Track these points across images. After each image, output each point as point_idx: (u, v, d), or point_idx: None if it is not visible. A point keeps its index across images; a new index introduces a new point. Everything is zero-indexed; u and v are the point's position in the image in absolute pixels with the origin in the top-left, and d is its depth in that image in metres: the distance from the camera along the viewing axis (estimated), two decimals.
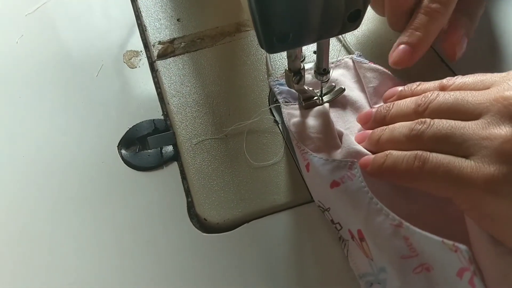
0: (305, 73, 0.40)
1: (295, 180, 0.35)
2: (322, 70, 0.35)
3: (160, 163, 0.37)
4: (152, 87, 0.42)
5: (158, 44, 0.45)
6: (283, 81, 0.40)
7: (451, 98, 0.29)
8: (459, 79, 0.31)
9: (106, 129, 0.39)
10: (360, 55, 0.41)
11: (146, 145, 0.38)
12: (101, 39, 0.46)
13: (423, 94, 0.31)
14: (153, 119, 0.39)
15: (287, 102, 0.38)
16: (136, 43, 0.46)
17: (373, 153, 0.32)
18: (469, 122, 0.27)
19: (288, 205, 0.34)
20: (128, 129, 0.39)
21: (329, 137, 0.34)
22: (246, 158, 0.36)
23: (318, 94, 0.37)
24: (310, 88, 0.37)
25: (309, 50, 0.42)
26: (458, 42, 0.37)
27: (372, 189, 0.29)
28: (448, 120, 0.28)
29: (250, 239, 0.33)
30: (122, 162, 0.37)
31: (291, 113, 0.37)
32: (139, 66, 0.44)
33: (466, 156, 0.26)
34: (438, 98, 0.29)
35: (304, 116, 0.37)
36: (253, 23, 0.28)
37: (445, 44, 0.38)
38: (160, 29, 0.46)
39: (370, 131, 0.33)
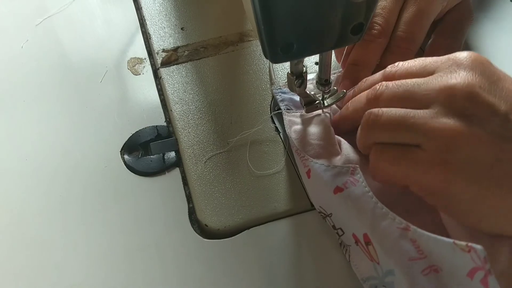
0: (308, 83, 0.41)
1: (295, 188, 0.36)
2: (323, 80, 0.36)
3: (162, 168, 0.37)
4: (156, 94, 0.43)
5: (162, 52, 0.45)
6: (286, 89, 0.41)
7: (400, 88, 0.29)
8: (401, 66, 0.31)
9: (110, 135, 0.39)
10: None
11: (148, 151, 0.38)
12: (106, 46, 0.47)
13: (372, 88, 0.31)
14: (156, 125, 0.40)
15: (288, 109, 0.39)
16: (140, 51, 0.46)
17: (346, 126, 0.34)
18: (418, 111, 0.27)
19: (288, 213, 0.34)
20: (131, 134, 0.39)
21: (330, 143, 0.35)
22: (248, 166, 0.37)
23: (320, 98, 0.38)
24: (312, 93, 0.37)
25: (310, 61, 0.43)
26: None
27: (375, 192, 0.29)
28: (397, 110, 0.28)
29: (250, 245, 0.33)
30: (125, 167, 0.37)
31: (292, 120, 0.38)
32: (142, 73, 0.44)
33: (418, 145, 0.27)
34: (387, 90, 0.30)
35: (305, 123, 0.37)
36: (258, 33, 0.29)
37: None
38: (164, 37, 0.47)
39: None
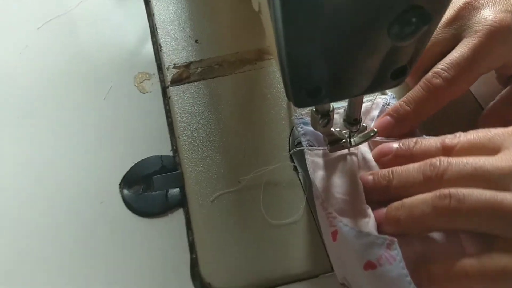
0: (335, 114, 0.36)
1: (315, 244, 0.31)
2: (352, 119, 0.31)
3: (165, 208, 0.33)
4: (163, 116, 0.38)
5: (173, 67, 0.41)
6: (308, 119, 0.36)
7: (467, 167, 0.26)
8: (463, 138, 0.28)
9: (109, 164, 0.35)
10: (393, 97, 0.37)
11: (151, 185, 0.34)
12: (112, 56, 0.42)
13: (429, 162, 0.28)
14: (161, 155, 0.35)
15: (311, 146, 0.34)
16: (150, 65, 0.42)
17: (397, 233, 0.28)
18: (505, 194, 0.24)
19: (305, 275, 0.30)
20: (132, 165, 0.35)
21: (357, 201, 0.30)
22: (262, 213, 0.32)
23: (346, 135, 0.33)
24: (337, 129, 0.32)
25: None
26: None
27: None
28: (480, 190, 0.25)
29: None
30: (123, 204, 0.33)
31: (316, 162, 0.33)
32: (150, 91, 0.40)
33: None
34: (451, 167, 0.26)
35: (330, 168, 0.33)
36: (281, 72, 0.24)
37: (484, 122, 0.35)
38: (176, 50, 0.42)
39: (383, 209, 0.29)
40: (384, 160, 0.33)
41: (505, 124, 0.28)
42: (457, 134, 0.29)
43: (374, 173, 0.31)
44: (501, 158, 0.25)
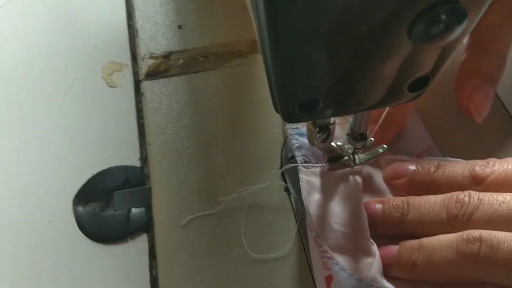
0: (335, 126, 0.30)
1: (306, 285, 0.25)
2: (358, 135, 0.25)
3: (124, 233, 0.27)
4: (133, 117, 0.32)
5: (149, 58, 0.34)
6: (304, 130, 0.30)
7: (502, 207, 0.21)
8: (497, 167, 0.23)
9: (62, 174, 0.29)
10: None
11: (111, 202, 0.28)
12: (79, 42, 0.36)
13: (455, 196, 0.23)
14: (126, 166, 0.29)
15: (306, 162, 0.28)
16: (122, 53, 0.35)
17: (411, 280, 0.23)
18: None
19: None
20: (90, 176, 0.29)
21: (359, 234, 0.24)
22: (243, 243, 0.26)
23: (350, 151, 0.27)
24: (339, 143, 0.26)
25: None
26: (472, 94, 0.28)
27: None
28: None
29: None
30: (75, 224, 0.27)
31: (312, 182, 0.27)
32: (121, 85, 0.34)
33: None
34: (482, 206, 0.22)
35: (328, 191, 0.27)
36: (267, 78, 0.18)
37: (458, 96, 0.29)
38: (156, 37, 0.36)
39: (393, 247, 0.24)
40: (397, 183, 0.27)
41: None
42: (491, 161, 0.24)
43: (384, 201, 0.25)
44: None
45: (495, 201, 0.21)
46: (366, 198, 0.27)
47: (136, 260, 0.26)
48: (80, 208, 0.28)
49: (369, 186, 0.28)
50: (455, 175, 0.24)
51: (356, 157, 0.27)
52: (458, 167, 0.24)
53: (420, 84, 0.19)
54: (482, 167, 0.23)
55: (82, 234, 0.27)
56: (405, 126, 0.29)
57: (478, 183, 0.23)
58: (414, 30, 0.14)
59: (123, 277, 0.26)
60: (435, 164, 0.25)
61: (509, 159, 0.23)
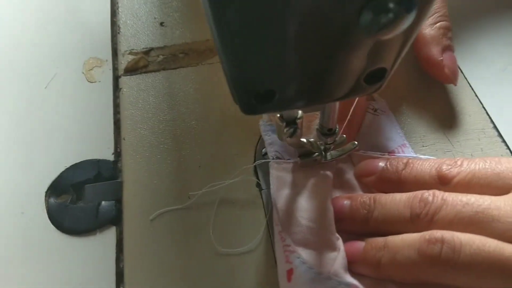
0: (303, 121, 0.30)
1: (270, 282, 0.25)
2: (326, 130, 0.25)
3: (93, 225, 0.27)
4: (110, 112, 0.32)
5: (129, 53, 0.35)
6: None
7: (466, 209, 0.20)
8: (465, 167, 0.23)
9: (37, 166, 0.29)
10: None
11: (82, 195, 0.28)
12: (63, 38, 0.36)
13: (420, 195, 0.22)
14: (99, 160, 0.29)
15: (279, 158, 0.28)
16: (104, 49, 0.36)
17: (376, 277, 0.22)
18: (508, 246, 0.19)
19: None
20: (64, 169, 0.29)
21: (325, 229, 0.24)
22: (211, 238, 0.26)
23: (322, 148, 0.27)
24: (311, 140, 0.26)
25: None
26: (442, 66, 0.30)
27: None
28: (481, 239, 0.19)
29: None
30: (46, 215, 0.27)
31: (282, 178, 0.27)
32: (99, 81, 0.34)
33: None
34: (446, 206, 0.21)
35: (297, 186, 0.26)
36: (223, 70, 0.18)
37: (429, 65, 0.31)
38: (137, 33, 0.36)
39: (359, 243, 0.24)
40: (367, 180, 0.27)
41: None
42: (459, 160, 0.23)
43: (352, 198, 0.25)
44: (511, 200, 0.19)
45: (459, 202, 0.21)
46: (337, 194, 0.27)
47: (104, 252, 0.26)
48: (52, 200, 0.28)
49: (340, 182, 0.28)
50: (422, 174, 0.24)
51: (328, 153, 0.27)
52: (426, 166, 0.24)
53: (377, 76, 0.19)
54: (449, 167, 0.23)
55: (52, 226, 0.27)
56: (361, 123, 0.30)
57: (444, 183, 0.23)
58: (363, 19, 0.14)
59: (90, 269, 0.26)
60: (404, 162, 0.25)
61: (477, 159, 0.23)
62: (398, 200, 0.23)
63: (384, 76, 0.19)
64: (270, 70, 0.17)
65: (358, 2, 0.14)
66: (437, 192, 0.22)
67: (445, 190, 0.22)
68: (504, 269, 0.18)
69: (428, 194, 0.22)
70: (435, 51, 0.30)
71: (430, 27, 0.30)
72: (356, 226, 0.24)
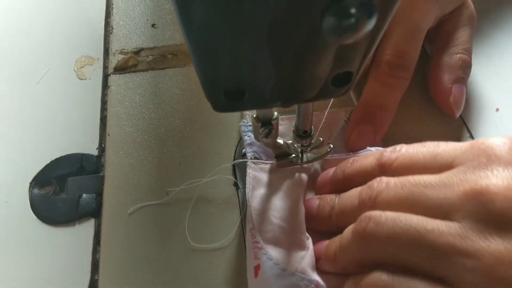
0: (286, 121, 0.31)
1: (240, 278, 0.26)
2: (302, 132, 0.26)
3: (73, 216, 0.28)
4: (98, 108, 0.33)
5: (119, 53, 0.36)
6: None
7: (404, 190, 0.21)
8: (403, 152, 0.23)
9: (23, 158, 0.30)
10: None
11: (64, 187, 0.29)
12: (58, 37, 0.37)
13: (368, 184, 0.23)
14: (82, 154, 0.30)
15: (257, 158, 0.29)
16: (96, 48, 0.37)
17: (336, 272, 0.23)
18: (439, 223, 0.19)
19: None
20: (49, 161, 0.30)
21: (295, 229, 0.25)
22: (185, 234, 0.27)
23: (299, 150, 0.28)
24: (289, 142, 0.27)
25: None
26: (449, 94, 0.30)
27: None
28: (407, 217, 0.20)
29: None
30: (29, 205, 0.28)
31: (259, 178, 0.28)
32: (89, 78, 0.35)
33: (438, 280, 0.18)
34: (386, 190, 0.22)
35: (273, 186, 0.27)
36: (194, 67, 0.19)
37: (436, 93, 0.31)
38: (129, 33, 0.37)
39: (325, 242, 0.24)
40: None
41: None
42: (398, 146, 0.23)
43: (321, 198, 0.26)
44: (447, 177, 0.19)
45: (399, 184, 0.21)
46: (310, 196, 0.28)
47: (81, 243, 0.27)
48: (35, 191, 0.29)
49: (314, 184, 0.28)
50: (364, 166, 0.24)
51: (304, 155, 0.28)
52: (369, 158, 0.24)
53: (344, 80, 0.20)
54: (389, 154, 0.23)
55: (33, 215, 0.28)
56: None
57: (385, 169, 0.23)
58: (325, 23, 0.15)
59: (67, 258, 0.27)
60: (350, 161, 0.26)
61: (417, 145, 0.23)
62: (353, 192, 0.23)
63: (350, 80, 0.20)
64: (238, 69, 0.18)
65: (320, 7, 0.14)
66: (384, 178, 0.22)
67: (387, 176, 0.22)
68: (423, 241, 0.18)
69: (375, 181, 0.22)
70: (446, 78, 0.30)
71: (449, 56, 0.30)
72: (322, 224, 0.25)
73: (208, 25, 0.16)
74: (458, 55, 0.30)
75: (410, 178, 0.21)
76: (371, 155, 0.24)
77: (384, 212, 0.20)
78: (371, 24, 0.15)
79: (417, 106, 0.32)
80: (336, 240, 0.23)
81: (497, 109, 0.31)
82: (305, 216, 0.25)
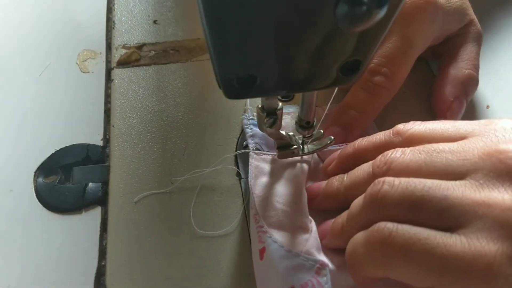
0: (287, 115, 0.32)
1: (244, 263, 0.27)
2: (305, 123, 0.27)
3: (80, 204, 0.28)
4: (101, 101, 0.34)
5: (122, 47, 0.36)
6: None
7: (421, 154, 0.21)
8: (417, 123, 0.24)
9: (28, 148, 0.31)
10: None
11: (70, 177, 0.30)
12: (60, 31, 0.38)
13: (382, 155, 0.23)
14: (88, 144, 0.31)
15: (258, 149, 0.30)
16: (98, 42, 0.37)
17: (342, 247, 0.24)
18: (453, 182, 0.20)
19: None
20: (54, 151, 0.31)
21: (298, 213, 0.26)
22: (190, 221, 0.28)
23: (300, 141, 0.29)
24: (291, 133, 0.28)
25: None
26: (448, 108, 0.31)
27: None
28: (421, 179, 0.20)
29: None
30: (34, 194, 0.29)
31: (261, 168, 0.29)
32: (92, 72, 0.35)
33: (451, 229, 0.19)
34: (402, 155, 0.22)
35: (275, 175, 0.28)
36: (209, 54, 0.20)
37: (436, 103, 0.32)
38: (131, 29, 0.38)
39: (331, 221, 0.25)
40: (330, 167, 0.28)
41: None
42: (411, 122, 0.24)
43: (329, 179, 0.27)
44: (466, 144, 0.20)
45: (416, 150, 0.22)
46: (309, 184, 0.29)
47: (88, 231, 0.28)
48: (40, 180, 0.29)
49: (315, 175, 0.29)
50: (377, 137, 0.25)
51: (306, 147, 0.29)
52: (382, 133, 0.25)
53: (353, 69, 0.21)
54: (402, 126, 0.24)
55: (39, 204, 0.28)
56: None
57: (399, 135, 0.24)
58: (338, 11, 0.16)
59: (74, 245, 0.27)
60: (360, 140, 0.26)
61: (434, 121, 0.24)
62: (364, 165, 0.24)
63: (359, 69, 0.21)
64: (251, 55, 0.19)
65: None
66: (398, 148, 0.23)
67: (399, 142, 0.23)
68: (435, 196, 0.19)
69: (389, 151, 0.23)
70: (449, 91, 0.31)
71: (457, 70, 0.31)
72: (329, 199, 0.26)
73: (228, 17, 0.16)
74: (467, 70, 0.31)
75: (427, 145, 0.21)
76: (382, 133, 0.25)
77: (398, 178, 0.20)
78: (382, 12, 0.16)
79: (411, 102, 0.34)
80: (343, 215, 0.24)
81: (488, 106, 0.33)
82: (311, 195, 0.26)
